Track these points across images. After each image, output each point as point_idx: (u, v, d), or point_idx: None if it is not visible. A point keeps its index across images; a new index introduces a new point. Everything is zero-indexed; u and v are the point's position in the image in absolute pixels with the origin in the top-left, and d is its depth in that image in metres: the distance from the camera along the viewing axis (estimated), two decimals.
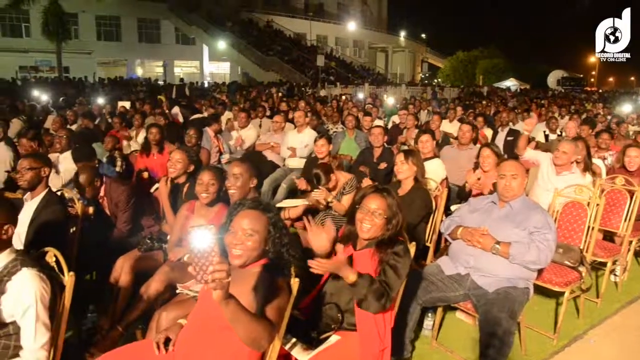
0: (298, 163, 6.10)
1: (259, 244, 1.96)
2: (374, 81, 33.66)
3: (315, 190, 4.12)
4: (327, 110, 10.86)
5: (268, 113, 9.85)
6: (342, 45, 47.16)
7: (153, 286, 2.91)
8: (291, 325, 2.07)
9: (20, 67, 32.52)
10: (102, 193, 3.86)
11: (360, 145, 6.49)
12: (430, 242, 3.93)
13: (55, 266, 2.20)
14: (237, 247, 1.93)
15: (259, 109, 9.65)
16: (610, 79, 60.12)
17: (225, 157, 6.34)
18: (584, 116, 9.81)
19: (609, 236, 4.44)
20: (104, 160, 5.24)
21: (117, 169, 5.06)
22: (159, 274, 2.97)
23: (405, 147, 6.42)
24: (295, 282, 1.99)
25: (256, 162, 3.85)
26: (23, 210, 3.26)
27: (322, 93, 21.37)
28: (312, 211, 4.19)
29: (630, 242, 4.34)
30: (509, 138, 7.38)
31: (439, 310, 3.29)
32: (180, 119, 9.49)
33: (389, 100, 14.05)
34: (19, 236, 3.14)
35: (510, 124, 8.38)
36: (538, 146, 6.29)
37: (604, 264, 4.00)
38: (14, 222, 2.16)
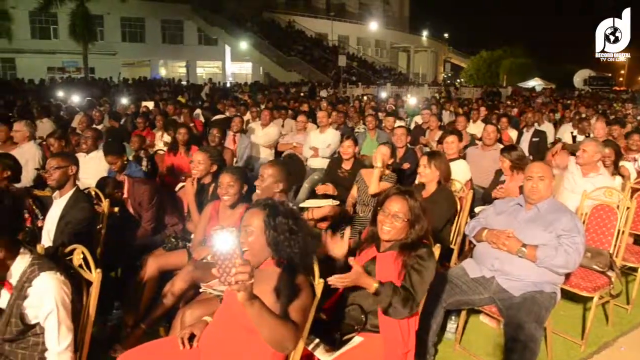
0: (320, 163, 6.10)
1: (259, 243, 1.95)
2: (396, 81, 33.45)
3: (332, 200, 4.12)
4: (349, 110, 10.84)
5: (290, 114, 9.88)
6: (364, 45, 47.02)
7: (177, 285, 2.94)
8: (314, 326, 2.07)
9: (48, 68, 33.26)
10: (125, 194, 3.92)
11: None
12: (454, 244, 3.88)
13: (82, 263, 2.23)
14: (244, 245, 1.94)
15: (282, 110, 9.70)
16: None
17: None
18: (612, 117, 9.58)
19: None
20: (130, 159, 5.32)
21: (143, 168, 5.13)
22: (183, 273, 3.00)
23: (428, 149, 6.36)
24: (320, 283, 1.98)
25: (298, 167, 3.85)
26: (52, 207, 3.33)
27: (344, 94, 21.33)
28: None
29: None
30: (534, 139, 7.26)
31: (463, 313, 3.25)
32: (202, 119, 9.58)
33: (411, 100, 13.92)
34: (49, 233, 3.21)
35: (536, 124, 8.23)
36: (564, 147, 6.16)
37: (635, 270, 3.90)
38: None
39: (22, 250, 2.05)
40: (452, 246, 3.88)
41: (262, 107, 10.04)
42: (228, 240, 1.48)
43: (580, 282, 3.23)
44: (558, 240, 2.80)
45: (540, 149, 7.01)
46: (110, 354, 2.89)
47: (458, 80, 47.25)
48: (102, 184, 3.86)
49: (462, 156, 5.23)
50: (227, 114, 9.70)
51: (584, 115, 9.76)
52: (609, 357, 3.22)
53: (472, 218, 3.60)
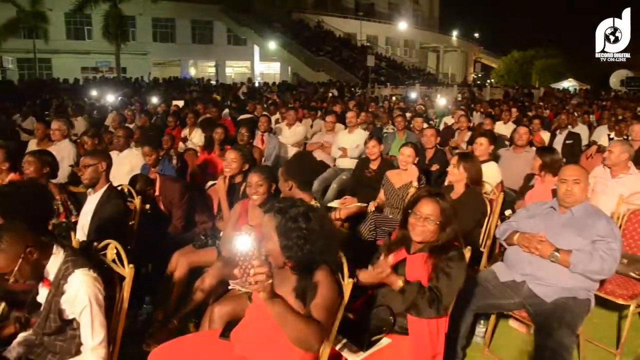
0: (349, 163, 6.10)
1: (276, 247, 1.94)
2: (425, 82, 33.13)
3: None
4: (378, 110, 10.80)
5: (319, 114, 9.91)
6: (393, 45, 46.74)
7: (207, 281, 2.99)
8: (342, 326, 2.06)
9: (82, 68, 34.14)
10: (157, 191, 4.00)
11: None
12: (484, 247, 3.81)
13: (115, 258, 2.29)
14: (265, 249, 1.95)
15: (311, 110, 9.74)
16: None
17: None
18: None
19: None
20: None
21: (174, 166, 5.22)
22: (213, 270, 3.04)
23: (458, 150, 6.28)
24: (349, 283, 1.97)
25: (307, 161, 3.84)
26: (86, 203, 3.42)
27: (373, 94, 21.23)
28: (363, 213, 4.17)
29: None
30: (568, 141, 7.08)
31: (492, 317, 3.19)
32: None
33: (440, 101, 13.77)
34: (83, 228, 3.30)
35: (570, 126, 8.03)
36: (600, 150, 6.01)
37: None
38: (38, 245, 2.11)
39: (55, 247, 2.11)
40: (481, 249, 3.82)
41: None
42: (246, 241, 1.52)
43: (616, 290, 3.14)
44: (593, 246, 2.72)
45: (574, 152, 6.84)
46: (143, 348, 2.95)
47: (488, 81, 46.45)
48: (134, 181, 3.93)
49: (493, 158, 5.14)
50: (256, 113, 9.79)
51: (620, 117, 9.46)
52: None
53: (502, 221, 3.53)
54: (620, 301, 3.11)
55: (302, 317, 1.71)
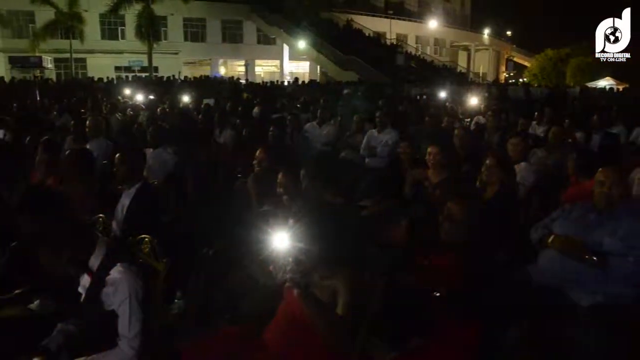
0: (378, 163, 6.06)
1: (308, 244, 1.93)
2: (455, 81, 32.68)
3: None
4: (407, 109, 10.72)
5: None
6: (423, 44, 46.28)
7: (238, 276, 3.01)
8: (374, 326, 2.05)
9: (115, 67, 34.98)
10: (189, 188, 4.06)
11: None
12: (516, 249, 3.73)
13: (150, 252, 2.34)
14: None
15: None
16: None
17: None
18: None
19: None
20: None
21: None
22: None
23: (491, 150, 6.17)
24: (379, 286, 1.96)
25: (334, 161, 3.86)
26: (121, 199, 3.50)
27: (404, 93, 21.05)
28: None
29: None
30: (605, 142, 6.87)
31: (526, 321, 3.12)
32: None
33: (472, 100, 13.54)
34: (118, 223, 3.37)
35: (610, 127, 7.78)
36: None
37: None
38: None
39: (99, 240, 2.18)
40: (514, 251, 3.74)
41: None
42: (283, 239, 1.52)
43: None
44: (634, 251, 2.63)
45: (612, 153, 6.62)
46: (175, 343, 2.99)
47: (521, 80, 45.48)
48: (167, 178, 4.01)
49: (526, 158, 5.04)
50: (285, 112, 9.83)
51: None
52: None
53: (536, 222, 3.45)
54: None
55: (335, 316, 1.70)
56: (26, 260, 2.43)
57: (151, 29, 30.22)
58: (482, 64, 49.33)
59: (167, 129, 5.96)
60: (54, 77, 30.14)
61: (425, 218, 3.75)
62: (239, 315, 2.64)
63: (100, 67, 32.70)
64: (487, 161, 3.78)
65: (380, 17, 42.92)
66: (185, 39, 39.75)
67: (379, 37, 40.55)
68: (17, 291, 2.57)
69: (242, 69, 42.35)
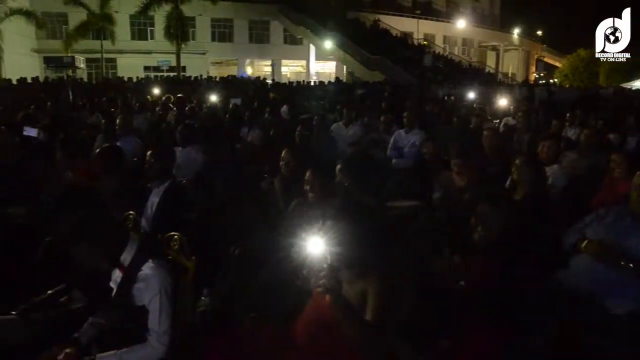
0: (405, 163, 6.02)
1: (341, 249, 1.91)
2: (483, 81, 32.19)
3: None
4: (435, 110, 10.61)
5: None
6: (450, 44, 45.78)
7: (263, 276, 3.02)
8: (402, 331, 2.03)
9: (144, 67, 35.66)
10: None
11: None
12: (547, 253, 3.65)
13: (179, 249, 2.37)
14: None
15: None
16: None
17: None
18: None
19: None
20: None
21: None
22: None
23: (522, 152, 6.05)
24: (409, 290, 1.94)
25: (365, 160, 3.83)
26: (150, 196, 3.56)
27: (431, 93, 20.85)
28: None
29: None
30: None
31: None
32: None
33: (501, 101, 13.33)
34: (147, 220, 3.43)
35: None
36: None
37: None
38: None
39: (131, 235, 2.22)
40: (546, 255, 3.66)
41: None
42: (318, 244, 1.51)
43: None
44: None
45: None
46: (201, 340, 3.02)
47: (552, 81, 44.50)
48: (196, 177, 4.06)
49: (558, 161, 4.92)
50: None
51: None
52: None
53: (568, 226, 3.37)
54: None
55: (367, 323, 1.69)
56: (59, 257, 2.48)
57: (179, 30, 30.72)
58: (511, 65, 48.49)
59: (195, 128, 6.03)
60: (85, 77, 30.92)
61: (432, 226, 3.72)
62: (264, 314, 2.65)
63: (129, 67, 33.44)
64: (517, 161, 3.72)
65: (408, 17, 42.61)
66: (213, 39, 40.23)
67: (406, 37, 40.28)
68: (49, 291, 2.63)
69: (269, 69, 42.63)
